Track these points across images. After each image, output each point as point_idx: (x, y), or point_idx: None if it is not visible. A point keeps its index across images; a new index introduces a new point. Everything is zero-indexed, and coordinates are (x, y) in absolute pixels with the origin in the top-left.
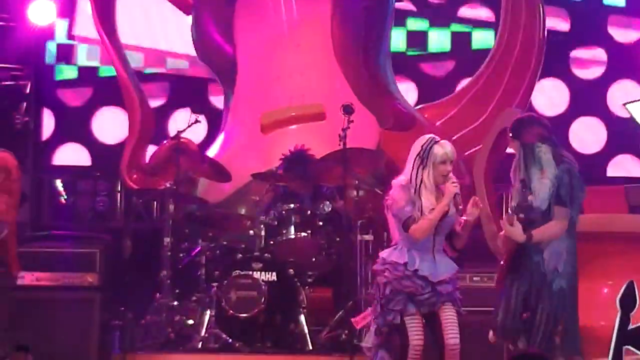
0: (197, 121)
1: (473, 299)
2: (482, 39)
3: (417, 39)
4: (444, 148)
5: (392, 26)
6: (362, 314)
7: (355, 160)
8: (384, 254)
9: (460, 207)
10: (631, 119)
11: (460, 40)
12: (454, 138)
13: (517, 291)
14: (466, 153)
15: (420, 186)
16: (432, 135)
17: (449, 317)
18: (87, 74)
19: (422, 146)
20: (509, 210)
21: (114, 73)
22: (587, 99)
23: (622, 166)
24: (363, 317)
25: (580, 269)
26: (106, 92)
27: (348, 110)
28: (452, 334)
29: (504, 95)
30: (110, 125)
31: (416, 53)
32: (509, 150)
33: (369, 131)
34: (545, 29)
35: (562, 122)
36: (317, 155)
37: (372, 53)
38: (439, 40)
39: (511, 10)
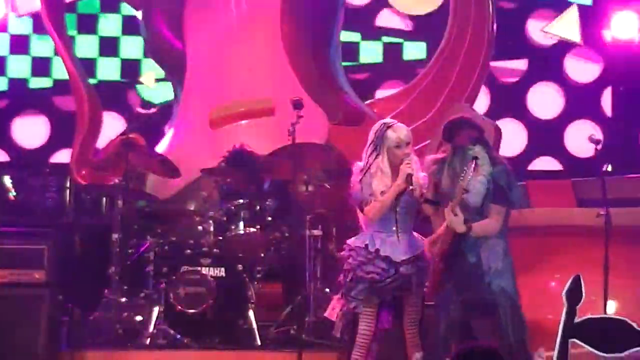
0: (147, 115)
1: None
2: (414, 50)
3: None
4: (396, 132)
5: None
6: (330, 304)
7: (304, 155)
8: (350, 240)
9: (411, 187)
10: None
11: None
12: None
13: (456, 298)
14: (416, 147)
15: (375, 170)
16: (386, 120)
17: (410, 307)
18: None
19: (376, 131)
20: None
21: None
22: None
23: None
24: (332, 308)
25: (528, 263)
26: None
27: (297, 105)
28: (411, 328)
29: (453, 89)
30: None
31: (348, 64)
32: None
33: (318, 126)
34: (494, 24)
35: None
36: (266, 151)
37: (322, 47)
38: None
39: (460, 3)
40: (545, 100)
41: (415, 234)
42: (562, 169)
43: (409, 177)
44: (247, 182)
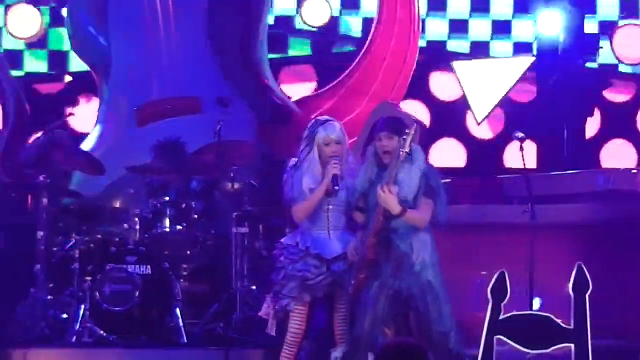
0: (70, 114)
1: None
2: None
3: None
4: (326, 130)
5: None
6: (265, 303)
7: (231, 153)
8: (284, 239)
9: (336, 187)
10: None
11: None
12: None
13: (384, 292)
14: None
15: (307, 167)
16: (322, 117)
17: (340, 304)
18: None
19: (309, 128)
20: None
21: None
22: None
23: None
24: (266, 306)
25: (454, 260)
26: None
27: (223, 102)
28: (341, 325)
29: (380, 88)
30: None
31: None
32: (384, 140)
33: (245, 124)
34: (421, 23)
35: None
36: (192, 149)
37: (249, 45)
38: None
39: (386, 2)
40: None
41: (349, 231)
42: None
43: (335, 177)
44: (174, 180)
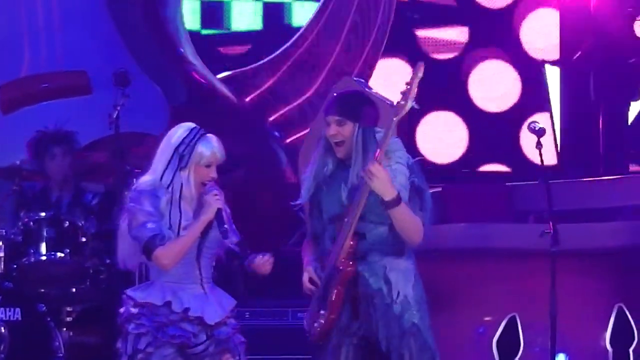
0: None
1: (297, 343)
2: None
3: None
4: (212, 147)
5: None
6: None
7: (133, 150)
8: (133, 292)
9: (226, 226)
10: None
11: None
12: (270, 119)
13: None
14: (288, 140)
15: (177, 194)
16: (194, 125)
17: None
18: None
19: (183, 139)
20: None
21: None
22: None
23: None
24: None
25: (446, 299)
26: None
27: (122, 80)
28: None
29: (340, 60)
30: None
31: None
32: (332, 129)
33: (153, 109)
34: None
35: None
36: (78, 144)
37: (157, 7)
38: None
39: None
40: None
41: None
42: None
43: (219, 213)
44: (54, 188)
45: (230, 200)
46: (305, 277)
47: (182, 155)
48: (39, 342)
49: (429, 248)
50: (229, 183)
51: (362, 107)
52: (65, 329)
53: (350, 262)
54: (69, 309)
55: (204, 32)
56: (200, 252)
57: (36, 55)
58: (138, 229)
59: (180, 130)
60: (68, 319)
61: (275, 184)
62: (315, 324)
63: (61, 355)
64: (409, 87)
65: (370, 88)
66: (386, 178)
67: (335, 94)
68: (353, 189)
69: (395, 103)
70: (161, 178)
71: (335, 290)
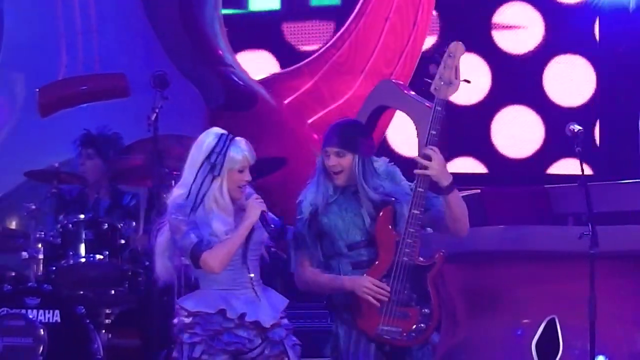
0: None
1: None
2: None
3: None
4: (243, 151)
5: None
6: None
7: (171, 152)
8: (184, 302)
9: (272, 225)
10: None
11: None
12: (309, 121)
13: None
14: None
15: (211, 203)
16: (222, 131)
17: None
18: None
19: (213, 148)
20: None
21: None
22: None
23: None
24: None
25: (482, 302)
26: None
27: (160, 82)
28: None
29: (379, 61)
30: None
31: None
32: (332, 160)
33: (191, 111)
34: None
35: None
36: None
37: (194, 9)
38: None
39: None
40: None
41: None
42: None
43: (263, 216)
44: (92, 191)
45: (268, 204)
46: (366, 283)
47: (214, 165)
48: (77, 344)
49: (467, 250)
50: (267, 186)
51: (360, 138)
52: (103, 331)
53: (439, 254)
54: (107, 311)
55: (223, 11)
56: (245, 255)
57: (74, 58)
58: (182, 238)
59: (209, 139)
60: (107, 321)
61: None
62: (422, 325)
63: (100, 357)
64: (448, 67)
65: (408, 90)
66: (443, 162)
67: (334, 125)
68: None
69: (433, 89)
70: (190, 190)
71: (429, 284)
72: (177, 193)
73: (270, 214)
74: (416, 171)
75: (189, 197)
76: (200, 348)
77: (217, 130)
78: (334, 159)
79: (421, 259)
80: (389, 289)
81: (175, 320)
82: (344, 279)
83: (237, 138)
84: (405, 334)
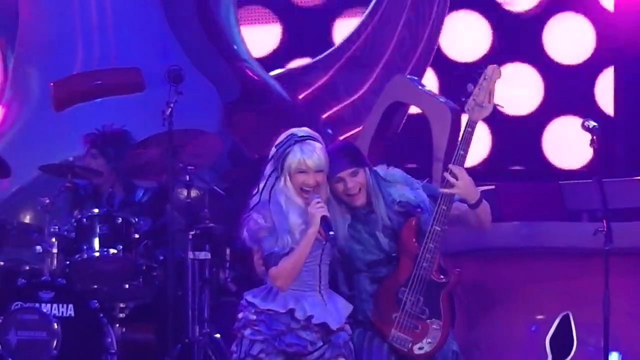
0: None
1: None
2: None
3: None
4: (303, 152)
5: None
6: None
7: (186, 147)
8: (250, 295)
9: (332, 232)
10: None
11: None
12: (323, 116)
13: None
14: (341, 137)
15: (279, 201)
16: (295, 130)
17: None
18: None
19: (276, 146)
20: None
21: None
22: None
23: None
24: None
25: (496, 298)
26: None
27: (175, 77)
28: None
29: (394, 57)
30: None
31: None
32: (349, 182)
33: (206, 106)
34: None
35: None
36: (131, 141)
37: (210, 4)
38: None
39: None
40: None
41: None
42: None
43: (326, 221)
44: (107, 185)
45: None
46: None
47: (276, 163)
48: (91, 338)
49: (481, 247)
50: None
51: (360, 151)
52: (117, 325)
53: (454, 273)
54: (121, 305)
55: None
56: (321, 258)
57: (89, 52)
58: (257, 242)
59: (282, 137)
60: (120, 315)
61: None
62: (429, 340)
63: (113, 351)
64: (482, 90)
65: (423, 85)
66: (469, 179)
67: (332, 152)
68: (384, 229)
69: (466, 109)
70: (260, 188)
71: (442, 301)
72: (258, 188)
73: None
74: (442, 190)
75: (258, 191)
76: (259, 346)
77: (295, 130)
78: (351, 180)
79: (440, 275)
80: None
81: (240, 315)
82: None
83: (309, 141)
84: (413, 346)
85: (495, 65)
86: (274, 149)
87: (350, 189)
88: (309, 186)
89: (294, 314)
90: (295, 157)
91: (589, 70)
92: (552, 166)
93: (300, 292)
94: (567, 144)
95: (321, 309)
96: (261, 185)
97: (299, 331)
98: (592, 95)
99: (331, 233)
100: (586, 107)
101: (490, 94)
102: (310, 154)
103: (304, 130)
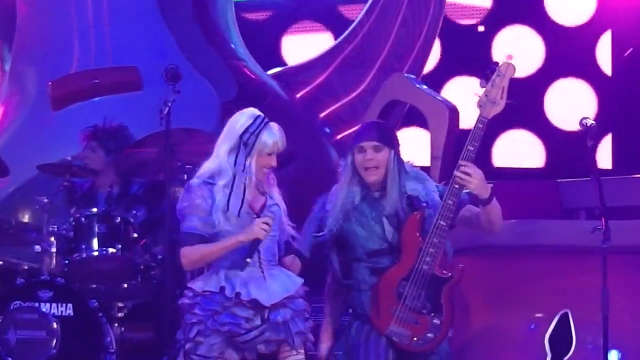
0: None
1: None
2: None
3: None
4: (275, 136)
5: None
6: None
7: (183, 146)
8: (193, 283)
9: (249, 260)
10: None
11: None
12: (321, 115)
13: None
14: (338, 136)
15: (239, 179)
16: (253, 110)
17: None
18: None
19: (247, 127)
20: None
21: None
22: None
23: None
24: None
25: (495, 297)
26: None
27: (173, 75)
28: None
29: (391, 55)
30: None
31: None
32: (370, 154)
33: (204, 105)
34: None
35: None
36: (129, 140)
37: (207, 2)
38: None
39: None
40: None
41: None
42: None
43: (255, 241)
44: (104, 184)
45: (282, 197)
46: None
47: (246, 144)
48: (90, 337)
49: (479, 245)
50: (279, 180)
51: (395, 135)
52: (116, 324)
53: (458, 268)
54: (120, 304)
55: None
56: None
57: (86, 51)
58: (182, 217)
59: (243, 118)
60: (119, 314)
61: (325, 181)
62: (430, 335)
63: (112, 350)
64: (495, 86)
65: (421, 84)
66: (481, 176)
67: (368, 122)
68: (391, 218)
69: (478, 105)
70: (222, 166)
71: (444, 296)
72: (207, 167)
73: (284, 208)
74: (456, 173)
75: (214, 172)
76: (196, 328)
77: (253, 111)
78: (371, 153)
79: (443, 270)
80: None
81: (180, 302)
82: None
83: (272, 123)
84: (413, 340)
85: (508, 61)
86: (241, 128)
87: (368, 162)
88: (272, 167)
89: (224, 291)
90: (270, 139)
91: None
92: (554, 128)
93: (234, 270)
94: (569, 106)
95: (255, 285)
96: (224, 165)
97: (232, 308)
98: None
99: (248, 260)
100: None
101: (503, 90)
102: (280, 136)
103: (258, 111)
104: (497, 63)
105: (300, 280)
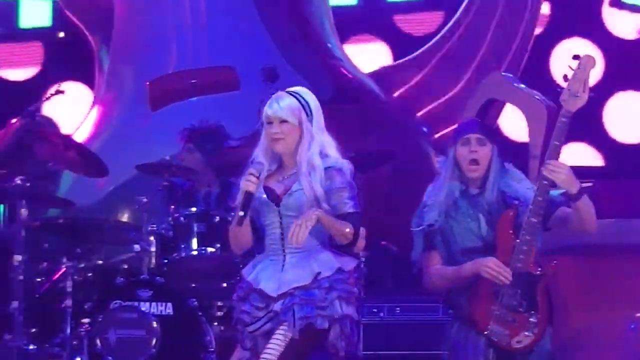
0: (59, 92)
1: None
2: None
3: None
4: (271, 103)
5: None
6: None
7: None
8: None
9: (242, 213)
10: None
11: None
12: (419, 114)
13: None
14: (436, 135)
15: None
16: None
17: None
18: None
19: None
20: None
21: None
22: None
23: None
24: None
25: (594, 296)
26: None
27: (271, 75)
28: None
29: (488, 54)
30: None
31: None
32: (474, 146)
33: None
34: None
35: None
36: (228, 139)
37: (303, 2)
38: None
39: None
40: None
41: (327, 252)
42: None
43: (246, 196)
44: (204, 184)
45: (378, 197)
46: (489, 263)
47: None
48: (190, 336)
49: (579, 244)
50: (376, 179)
51: (497, 133)
52: (216, 323)
53: (551, 265)
54: (219, 303)
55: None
56: (281, 222)
57: (184, 51)
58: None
59: None
60: (219, 313)
61: (423, 181)
62: (528, 333)
63: (212, 349)
64: (577, 80)
65: (519, 83)
66: (569, 170)
67: (471, 119)
68: (487, 215)
69: (561, 99)
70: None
71: (539, 293)
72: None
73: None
74: (543, 168)
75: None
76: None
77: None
78: (475, 145)
79: (538, 268)
80: (510, 272)
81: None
82: (467, 264)
83: (279, 92)
84: (511, 339)
85: (589, 54)
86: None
87: (472, 154)
88: (274, 134)
89: (245, 278)
90: (267, 108)
91: None
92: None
93: (266, 256)
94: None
95: (268, 274)
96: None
97: (248, 297)
98: None
99: (241, 213)
100: None
101: (585, 83)
102: (270, 104)
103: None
104: (577, 56)
105: (315, 271)
